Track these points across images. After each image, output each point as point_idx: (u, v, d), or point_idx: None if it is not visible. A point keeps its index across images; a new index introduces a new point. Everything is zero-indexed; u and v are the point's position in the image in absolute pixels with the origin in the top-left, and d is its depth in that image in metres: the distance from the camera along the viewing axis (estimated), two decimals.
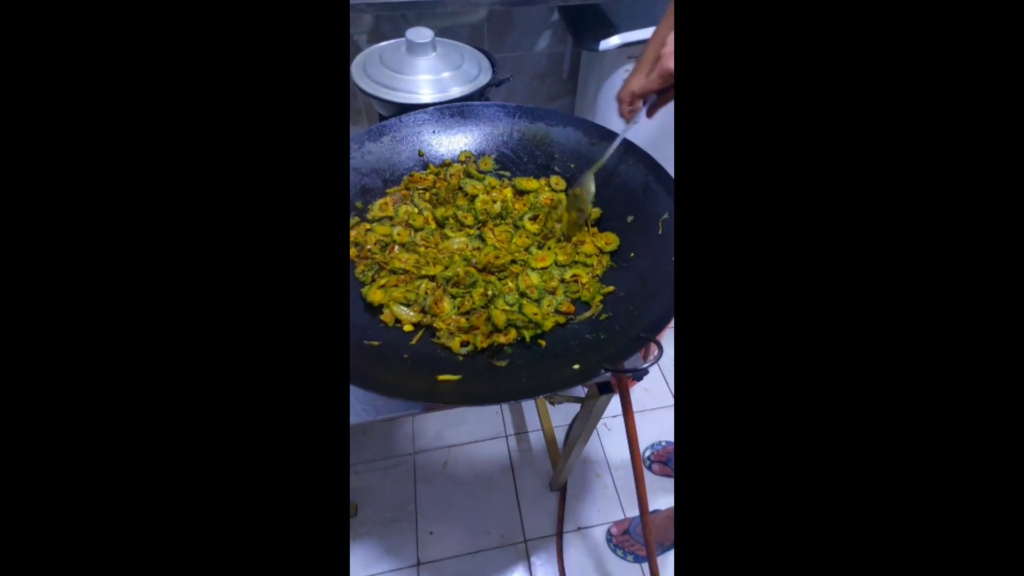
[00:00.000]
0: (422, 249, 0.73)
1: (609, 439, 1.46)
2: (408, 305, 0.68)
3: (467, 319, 0.66)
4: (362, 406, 0.69)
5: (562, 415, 1.48)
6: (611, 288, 0.70)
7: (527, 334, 0.64)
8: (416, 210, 0.78)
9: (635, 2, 1.35)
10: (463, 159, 0.84)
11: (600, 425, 1.47)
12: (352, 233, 0.73)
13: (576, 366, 0.57)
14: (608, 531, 1.28)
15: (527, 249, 0.75)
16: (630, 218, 0.76)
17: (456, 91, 0.89)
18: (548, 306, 0.68)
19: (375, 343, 0.63)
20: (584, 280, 0.71)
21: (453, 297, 0.69)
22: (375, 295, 0.67)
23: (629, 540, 1.24)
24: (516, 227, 0.78)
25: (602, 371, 0.54)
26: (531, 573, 1.23)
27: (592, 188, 0.75)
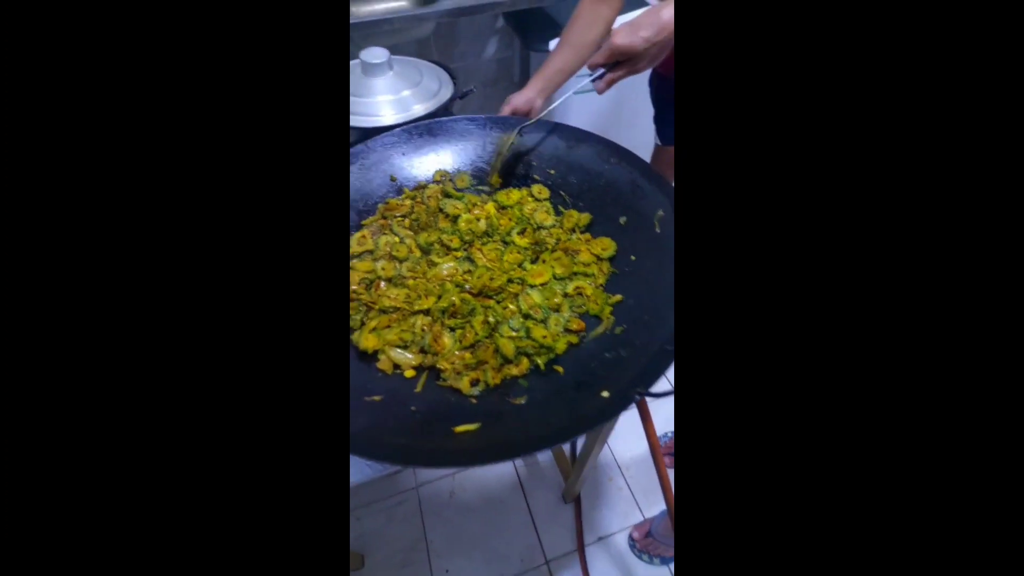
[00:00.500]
0: (411, 282, 0.67)
1: (615, 439, 1.41)
2: (405, 347, 0.62)
3: (472, 354, 0.61)
4: (365, 463, 0.63)
5: None
6: (619, 297, 0.66)
7: (540, 361, 0.59)
8: (397, 239, 0.72)
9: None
10: (438, 179, 0.79)
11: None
12: None
13: (605, 393, 0.52)
14: (630, 536, 1.25)
15: (520, 265, 0.70)
16: (623, 219, 0.73)
17: (419, 108, 0.84)
18: (556, 325, 0.63)
19: (376, 398, 0.56)
20: (588, 292, 0.67)
21: (452, 330, 0.63)
22: (368, 340, 0.61)
23: (653, 543, 1.21)
24: (505, 243, 0.73)
25: (636, 396, 0.49)
26: None
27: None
